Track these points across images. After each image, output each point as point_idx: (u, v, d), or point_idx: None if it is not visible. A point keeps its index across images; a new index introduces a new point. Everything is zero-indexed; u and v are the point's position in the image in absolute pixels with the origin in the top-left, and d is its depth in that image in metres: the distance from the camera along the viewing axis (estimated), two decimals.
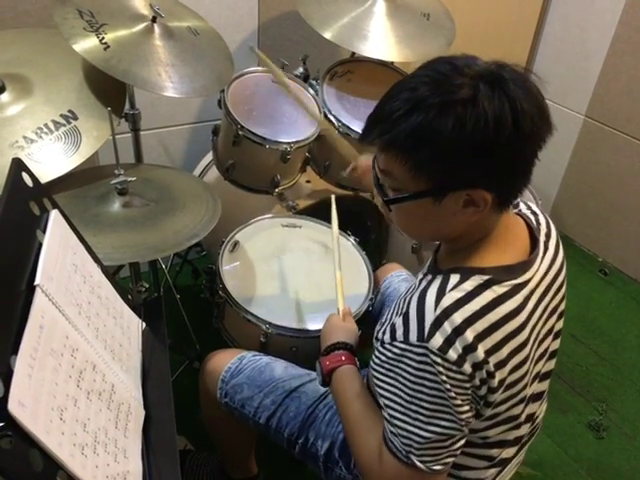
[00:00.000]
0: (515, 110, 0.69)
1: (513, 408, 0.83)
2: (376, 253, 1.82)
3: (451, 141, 0.69)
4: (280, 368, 1.14)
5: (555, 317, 0.89)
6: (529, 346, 0.81)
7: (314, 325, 1.26)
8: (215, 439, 1.29)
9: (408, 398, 0.77)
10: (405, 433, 0.78)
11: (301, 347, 1.25)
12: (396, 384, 0.78)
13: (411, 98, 0.71)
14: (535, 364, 0.86)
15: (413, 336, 0.75)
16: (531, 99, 0.71)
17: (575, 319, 2.09)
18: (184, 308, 1.64)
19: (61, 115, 1.20)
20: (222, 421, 1.19)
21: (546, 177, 2.54)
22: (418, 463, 0.78)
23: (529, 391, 0.86)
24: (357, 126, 1.58)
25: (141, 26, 1.28)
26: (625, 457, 1.63)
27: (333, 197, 1.37)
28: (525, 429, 0.92)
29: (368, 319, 1.32)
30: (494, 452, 0.88)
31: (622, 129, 2.25)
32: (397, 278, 1.40)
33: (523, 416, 0.87)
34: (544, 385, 0.94)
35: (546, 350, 0.89)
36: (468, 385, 0.75)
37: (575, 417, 1.73)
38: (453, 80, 0.70)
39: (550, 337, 0.89)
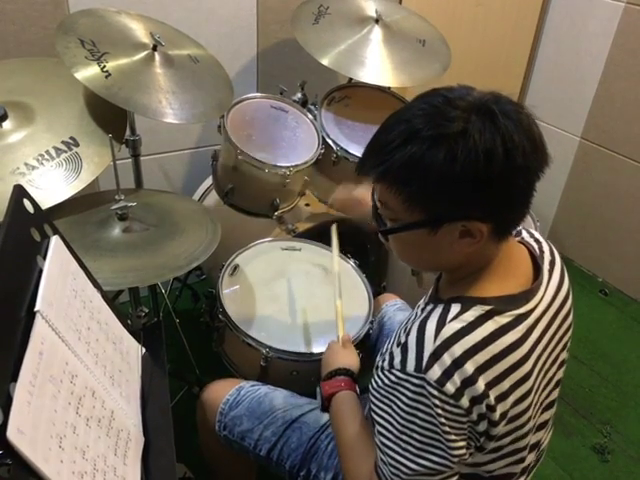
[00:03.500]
0: (505, 143, 0.69)
1: (518, 441, 0.82)
2: (376, 276, 1.82)
3: (443, 173, 0.69)
4: (280, 398, 1.13)
5: (560, 347, 0.88)
6: (533, 377, 0.79)
7: (315, 348, 1.26)
8: (214, 470, 1.27)
9: (400, 428, 0.76)
10: (394, 462, 0.77)
11: (302, 371, 1.25)
12: (390, 412, 0.77)
13: (405, 130, 0.71)
14: (540, 394, 0.85)
15: (411, 366, 0.74)
16: (523, 132, 0.70)
17: (576, 340, 2.06)
18: (184, 332, 1.63)
19: (62, 142, 1.21)
20: (221, 453, 1.17)
21: (544, 199, 2.55)
22: None
23: (534, 422, 0.85)
24: (355, 150, 1.59)
25: (142, 54, 1.30)
26: None
27: (334, 226, 1.37)
28: (530, 458, 0.90)
29: (367, 343, 1.31)
30: None
31: (618, 150, 2.27)
32: (392, 307, 1.40)
33: (527, 447, 0.85)
34: (549, 414, 0.92)
35: (551, 379, 0.88)
36: (464, 419, 0.73)
37: (579, 440, 1.71)
38: (446, 113, 0.70)
39: (555, 366, 0.88)
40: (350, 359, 1.07)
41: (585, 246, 2.50)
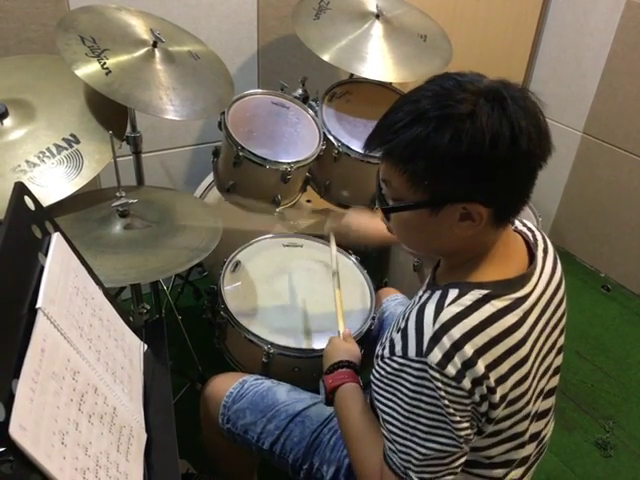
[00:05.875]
0: (513, 128, 0.69)
1: (517, 425, 0.83)
2: (377, 272, 1.82)
3: (447, 154, 0.70)
4: (283, 392, 1.13)
5: (557, 332, 0.89)
6: (530, 361, 0.80)
7: (317, 345, 1.26)
8: (216, 464, 1.28)
9: (406, 414, 0.76)
10: (404, 449, 0.78)
11: (304, 367, 1.25)
12: (394, 399, 0.78)
13: (413, 110, 0.72)
14: (539, 380, 0.85)
15: (412, 351, 0.75)
16: (530, 118, 0.71)
17: (579, 335, 2.07)
18: (186, 329, 1.64)
19: (63, 139, 1.21)
20: (224, 446, 1.18)
21: (546, 194, 2.55)
22: None
23: (533, 408, 0.85)
24: (356, 146, 1.59)
25: (142, 51, 1.30)
26: (633, 476, 1.61)
27: (332, 234, 1.41)
28: (531, 448, 0.90)
29: (369, 339, 1.31)
30: (500, 472, 0.87)
31: (620, 145, 2.26)
32: (393, 302, 1.40)
33: (527, 434, 0.86)
34: (549, 402, 0.93)
35: (549, 366, 0.89)
36: (467, 401, 0.74)
37: (582, 435, 1.71)
38: (455, 95, 0.71)
39: (553, 353, 0.89)
40: (352, 352, 1.08)
41: (587, 241, 2.49)
